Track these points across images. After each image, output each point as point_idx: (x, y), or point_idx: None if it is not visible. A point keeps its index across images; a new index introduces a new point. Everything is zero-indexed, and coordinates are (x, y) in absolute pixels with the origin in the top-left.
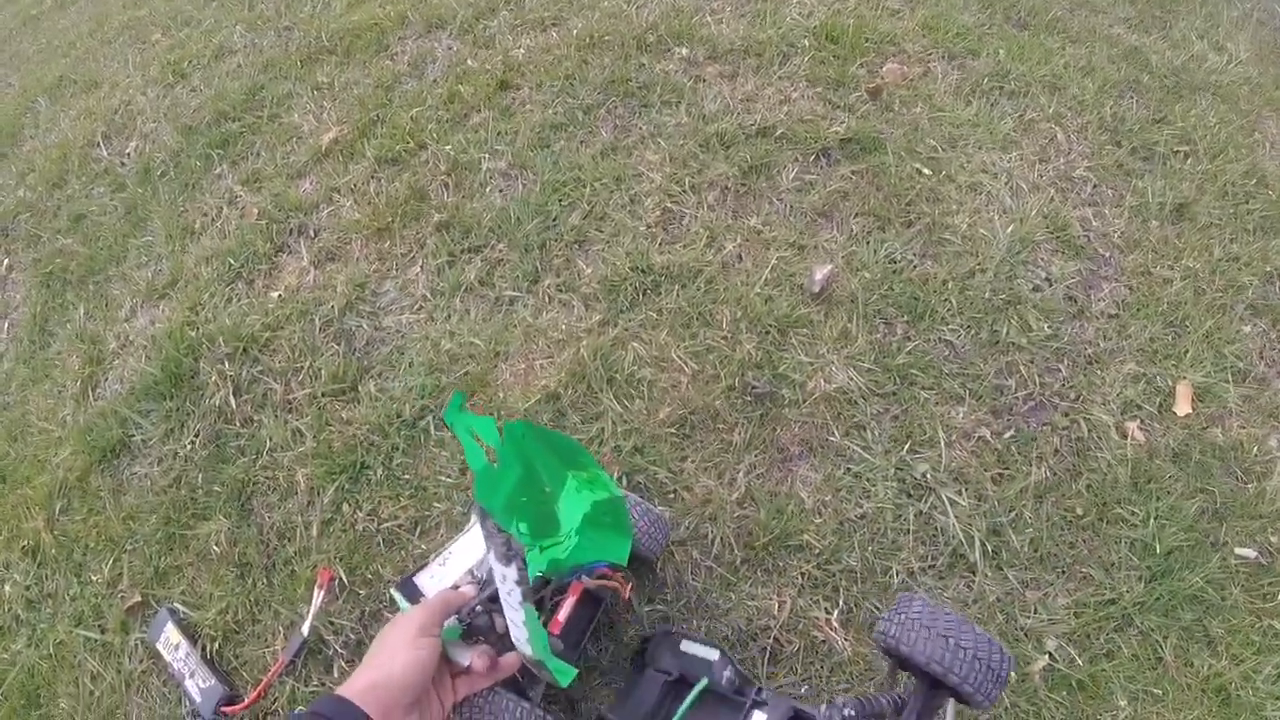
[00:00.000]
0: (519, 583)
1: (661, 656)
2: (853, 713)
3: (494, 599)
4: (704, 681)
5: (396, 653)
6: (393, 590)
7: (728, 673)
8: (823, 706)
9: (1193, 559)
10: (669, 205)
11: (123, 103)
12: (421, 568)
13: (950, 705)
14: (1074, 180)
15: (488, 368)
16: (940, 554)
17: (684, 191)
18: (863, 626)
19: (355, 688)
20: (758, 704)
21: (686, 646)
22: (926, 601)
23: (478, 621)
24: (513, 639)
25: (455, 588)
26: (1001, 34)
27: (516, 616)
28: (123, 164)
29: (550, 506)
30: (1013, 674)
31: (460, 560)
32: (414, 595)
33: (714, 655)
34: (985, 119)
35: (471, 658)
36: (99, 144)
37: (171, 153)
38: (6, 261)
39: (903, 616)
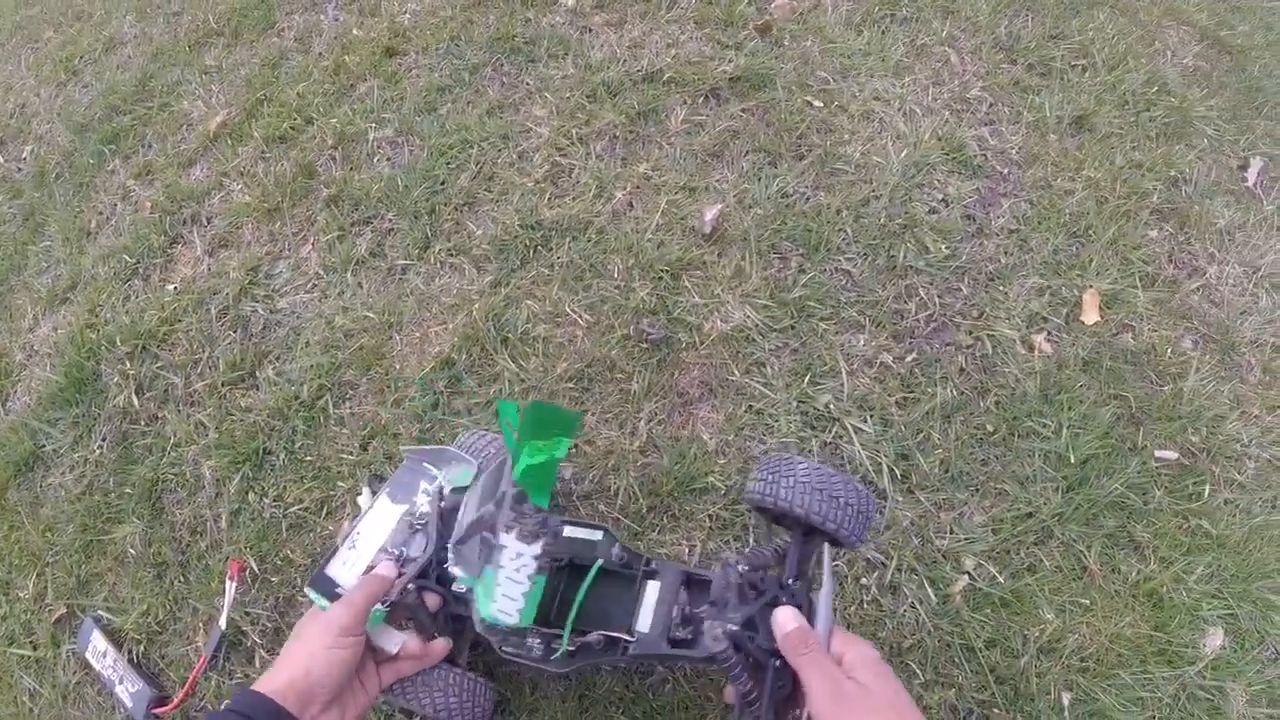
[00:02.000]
0: (538, 558)
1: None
2: (746, 567)
3: (423, 576)
4: (599, 562)
5: (316, 653)
6: (307, 588)
7: (615, 549)
8: (716, 567)
9: (1110, 465)
10: (557, 159)
11: (17, 106)
12: (331, 555)
13: (826, 547)
14: (969, 101)
15: (382, 340)
16: None
17: (572, 144)
18: None
19: (273, 685)
20: (649, 574)
21: (570, 531)
22: (799, 460)
23: (405, 599)
24: (487, 611)
25: (370, 569)
26: None
27: (516, 590)
28: (19, 169)
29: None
30: (879, 513)
31: (370, 539)
32: (329, 589)
33: (598, 535)
34: (877, 47)
35: (401, 647)
36: None
37: (65, 153)
38: None
39: (790, 480)
